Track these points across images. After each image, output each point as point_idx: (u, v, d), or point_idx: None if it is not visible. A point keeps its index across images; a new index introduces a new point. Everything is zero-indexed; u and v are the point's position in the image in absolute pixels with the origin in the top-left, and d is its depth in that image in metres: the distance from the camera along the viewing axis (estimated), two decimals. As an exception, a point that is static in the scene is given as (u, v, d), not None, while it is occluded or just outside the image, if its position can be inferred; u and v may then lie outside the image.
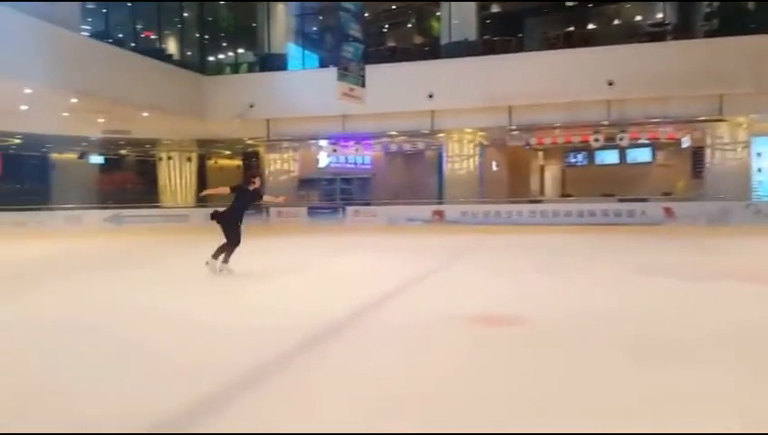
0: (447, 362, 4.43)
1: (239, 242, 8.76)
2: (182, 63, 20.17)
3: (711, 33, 17.85)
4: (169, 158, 22.92)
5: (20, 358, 4.65)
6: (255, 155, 24.03)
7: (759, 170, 17.98)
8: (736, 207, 16.36)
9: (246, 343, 4.93)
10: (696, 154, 18.65)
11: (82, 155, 22.56)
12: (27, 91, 14.60)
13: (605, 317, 5.82)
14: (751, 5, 17.98)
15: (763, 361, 4.33)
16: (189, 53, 21.34)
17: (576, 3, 21.58)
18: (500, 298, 7.00)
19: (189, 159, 23.16)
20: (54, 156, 23.05)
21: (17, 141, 21.27)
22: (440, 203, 19.33)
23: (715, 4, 18.24)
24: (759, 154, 18.01)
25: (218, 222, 8.77)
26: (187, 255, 7.54)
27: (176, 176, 22.79)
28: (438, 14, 21.30)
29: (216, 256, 8.63)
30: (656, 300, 6.75)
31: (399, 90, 18.28)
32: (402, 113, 18.81)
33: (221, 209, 8.99)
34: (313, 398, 3.66)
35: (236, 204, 8.92)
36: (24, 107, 16.21)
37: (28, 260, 12.30)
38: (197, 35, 21.75)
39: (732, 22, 17.43)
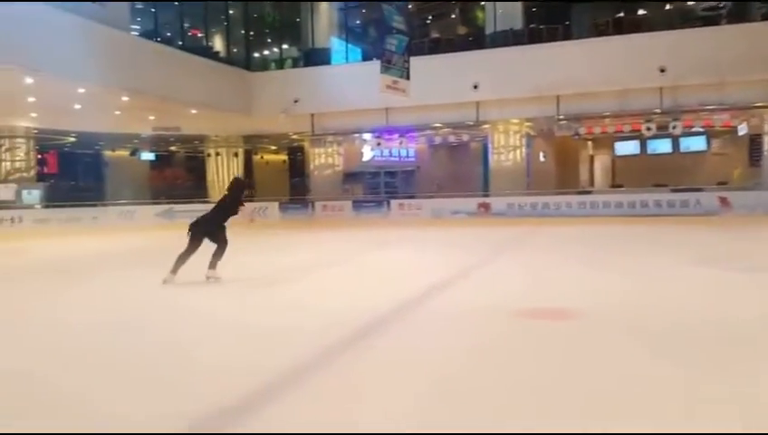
0: (495, 355, 4.35)
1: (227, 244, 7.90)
2: (228, 60, 20.49)
3: (768, 17, 17.04)
4: (217, 154, 23.36)
5: (58, 356, 4.68)
6: (301, 150, 24.28)
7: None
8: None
9: (291, 339, 4.91)
10: (754, 142, 17.89)
11: (134, 152, 23.19)
12: (80, 90, 15.08)
13: (658, 310, 5.64)
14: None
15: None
16: (235, 50, 21.66)
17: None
18: (548, 291, 6.86)
19: (236, 155, 23.56)
20: (107, 153, 23.77)
21: (72, 140, 22.03)
22: (486, 195, 19.12)
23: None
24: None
25: (202, 235, 7.78)
26: (232, 250, 7.54)
27: (223, 171, 23.21)
28: (483, 3, 20.99)
29: (213, 265, 7.77)
30: (710, 292, 6.50)
31: (444, 81, 18.13)
32: (446, 105, 18.65)
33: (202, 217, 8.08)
34: (360, 392, 3.63)
35: (222, 207, 8.02)
36: (77, 106, 16.76)
37: (83, 255, 12.71)
38: (243, 32, 22.05)
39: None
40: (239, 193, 8.10)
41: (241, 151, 23.79)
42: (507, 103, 18.31)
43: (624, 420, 3.06)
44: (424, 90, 17.19)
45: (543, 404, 3.34)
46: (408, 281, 7.70)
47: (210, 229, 7.82)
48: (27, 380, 4.02)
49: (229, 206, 7.94)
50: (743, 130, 17.48)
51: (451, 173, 22.05)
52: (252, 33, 22.41)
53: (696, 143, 19.64)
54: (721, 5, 19.40)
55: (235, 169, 23.32)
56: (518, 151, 19.44)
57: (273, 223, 19.41)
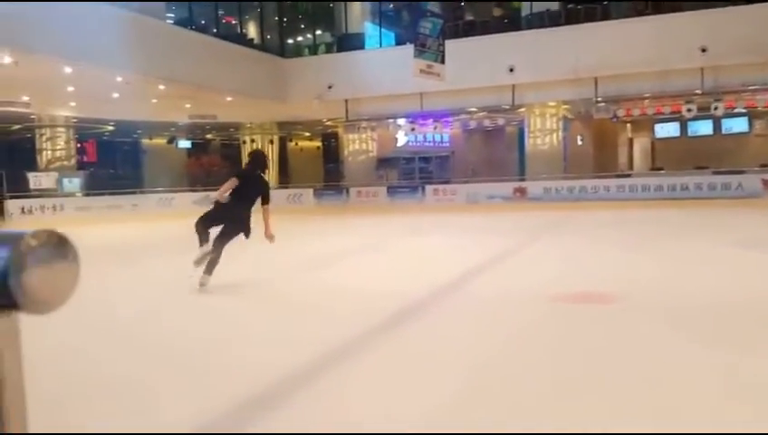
0: (532, 341, 4.33)
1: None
2: (262, 47, 20.62)
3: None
4: (252, 140, 23.60)
5: (109, 338, 4.87)
6: (335, 136, 24.36)
7: None
8: None
9: (326, 324, 4.96)
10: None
11: (171, 140, 23.58)
12: (118, 79, 15.36)
13: (697, 294, 5.54)
14: None
15: None
16: (269, 37, 21.77)
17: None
18: (586, 276, 6.81)
19: (272, 142, 23.75)
20: (145, 141, 24.20)
21: (110, 128, 22.50)
22: (522, 180, 18.93)
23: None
24: None
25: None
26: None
27: (259, 158, 23.42)
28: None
29: (203, 263, 6.38)
30: (754, 277, 6.35)
31: (478, 65, 17.92)
32: (481, 89, 18.44)
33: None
34: (397, 378, 3.62)
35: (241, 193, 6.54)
36: (115, 95, 17.08)
37: (126, 241, 13.03)
38: (276, 19, 22.13)
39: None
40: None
41: (276, 138, 23.98)
42: (543, 86, 18.02)
43: (664, 408, 3.03)
44: (458, 73, 17.02)
45: (584, 391, 3.32)
46: (444, 266, 7.71)
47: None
48: (80, 358, 4.17)
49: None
50: (789, 109, 16.92)
51: (486, 158, 21.88)
52: (285, 19, 22.47)
53: (737, 124, 19.08)
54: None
55: (271, 155, 23.53)
56: (555, 135, 19.16)
57: (309, 209, 19.56)
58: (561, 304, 5.34)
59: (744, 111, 18.09)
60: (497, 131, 21.84)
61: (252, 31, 21.73)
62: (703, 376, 3.42)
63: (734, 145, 19.28)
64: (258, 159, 6.93)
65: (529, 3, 19.22)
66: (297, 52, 22.31)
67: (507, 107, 19.01)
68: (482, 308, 5.35)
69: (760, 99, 17.17)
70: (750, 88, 16.80)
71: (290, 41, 22.80)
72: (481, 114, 19.91)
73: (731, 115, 18.16)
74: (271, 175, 23.23)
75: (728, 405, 3.00)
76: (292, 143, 26.33)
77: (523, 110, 19.19)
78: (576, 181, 17.82)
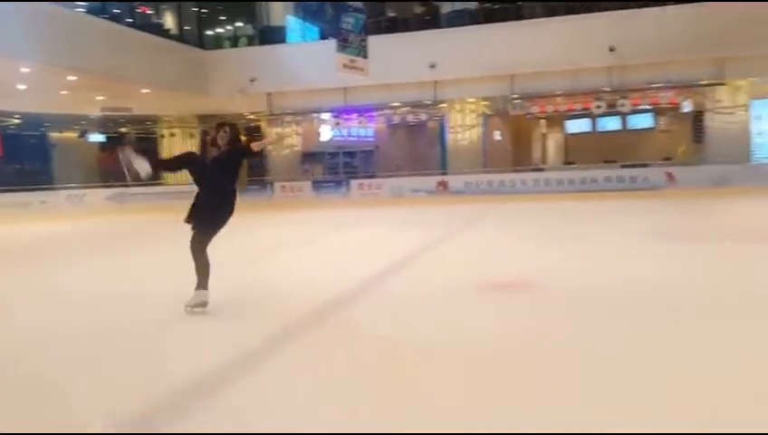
0: (456, 326, 4.56)
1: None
2: (180, 38, 20.00)
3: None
4: (172, 134, 22.88)
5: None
6: (258, 130, 23.97)
7: (758, 133, 18.00)
8: (736, 169, 16.45)
9: (252, 317, 5.01)
10: (697, 118, 18.65)
11: (82, 134, 22.48)
12: (24, 69, 14.51)
13: (611, 280, 5.95)
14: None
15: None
16: (187, 28, 21.13)
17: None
18: (506, 265, 7.14)
19: (192, 136, 23.11)
20: (54, 135, 22.96)
21: (16, 121, 21.20)
22: (444, 174, 19.39)
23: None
24: (758, 117, 18.00)
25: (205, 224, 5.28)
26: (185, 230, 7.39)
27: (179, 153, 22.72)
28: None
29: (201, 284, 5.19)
30: (663, 264, 6.88)
31: (401, 60, 18.19)
32: (404, 84, 18.74)
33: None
34: (321, 369, 3.73)
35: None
36: (21, 86, 16.13)
37: (34, 241, 12.38)
38: (195, 9, 21.52)
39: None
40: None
41: (197, 132, 23.35)
42: (464, 82, 18.53)
43: (591, 384, 3.30)
44: (382, 69, 17.22)
45: (514, 375, 3.55)
46: (372, 259, 7.83)
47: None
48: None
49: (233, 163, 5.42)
50: (687, 107, 18.19)
51: (410, 152, 22.22)
52: (204, 10, 21.88)
53: (643, 121, 20.31)
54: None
55: (191, 150, 22.89)
56: (474, 130, 19.73)
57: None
58: (486, 292, 5.59)
59: (648, 107, 19.33)
60: (420, 126, 22.23)
61: (169, 21, 21.04)
62: (621, 358, 3.72)
63: (640, 140, 20.51)
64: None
65: (450, 1, 19.69)
66: (217, 44, 21.80)
67: (429, 102, 19.41)
68: (409, 299, 5.50)
69: (663, 96, 18.39)
70: (654, 86, 17.97)
71: (209, 32, 22.24)
72: (404, 109, 20.21)
73: (637, 112, 19.32)
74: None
75: (640, 389, 3.30)
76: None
77: (444, 105, 19.65)
78: (495, 175, 18.46)
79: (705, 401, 2.96)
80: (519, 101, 18.70)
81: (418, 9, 20.91)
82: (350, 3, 16.49)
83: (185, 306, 5.06)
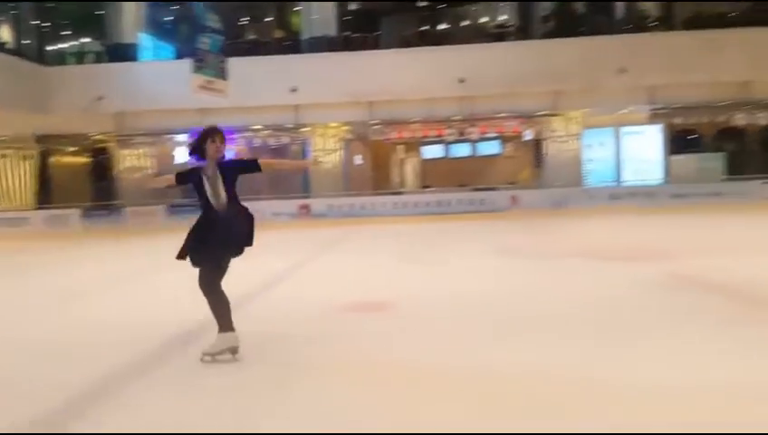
0: (316, 348, 4.62)
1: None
2: (17, 52, 18.40)
3: (547, 35, 19.63)
4: (3, 156, 20.77)
5: None
6: (105, 151, 22.51)
7: (589, 160, 20.06)
8: (572, 192, 18.23)
9: (77, 364, 4.41)
10: (537, 146, 20.43)
11: None
12: None
13: (465, 295, 6.34)
14: (581, 8, 20.00)
15: (620, 327, 5.01)
16: (27, 42, 19.48)
17: (427, 3, 22.65)
18: (368, 286, 7.34)
19: (26, 158, 21.11)
20: None
21: None
22: (307, 197, 19.45)
23: (550, 7, 20.02)
24: (589, 145, 20.09)
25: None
26: (24, 263, 6.79)
27: (11, 176, 20.67)
28: (298, 9, 21.34)
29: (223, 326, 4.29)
30: (509, 278, 7.44)
31: (262, 84, 18.13)
32: (266, 107, 18.67)
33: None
34: (181, 395, 3.68)
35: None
36: None
37: None
38: (35, 23, 19.91)
39: (565, 24, 19.31)
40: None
41: (34, 154, 21.40)
42: (325, 108, 18.86)
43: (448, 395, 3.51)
44: (243, 91, 17.05)
45: (365, 390, 3.68)
46: (230, 285, 7.61)
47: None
48: None
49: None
50: (528, 135, 19.90)
51: (272, 176, 22.01)
52: (46, 23, 20.32)
53: (490, 147, 21.82)
54: (509, 24, 21.88)
55: (26, 173, 20.94)
56: (336, 154, 20.08)
57: (75, 233, 17.85)
58: (347, 314, 5.71)
59: (495, 135, 20.85)
60: (282, 150, 22.13)
61: (5, 34, 19.28)
62: (472, 363, 3.98)
63: (488, 165, 21.99)
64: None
65: (308, 27, 20.02)
66: (60, 60, 20.31)
67: (291, 126, 19.47)
68: (268, 324, 5.46)
69: (507, 125, 19.97)
70: (499, 116, 19.47)
71: (51, 47, 20.67)
72: (266, 132, 20.07)
73: (484, 139, 20.75)
74: (26, 195, 20.68)
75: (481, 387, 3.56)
76: (56, 159, 23.72)
77: (306, 129, 19.80)
78: (356, 198, 18.89)
79: (512, 408, 3.26)
80: (378, 126, 19.36)
81: (279, 33, 21.02)
82: (207, 23, 16.18)
83: (202, 355, 4.19)
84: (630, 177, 19.73)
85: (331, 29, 20.08)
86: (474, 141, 20.52)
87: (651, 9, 21.27)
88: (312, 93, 18.39)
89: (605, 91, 18.41)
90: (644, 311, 5.43)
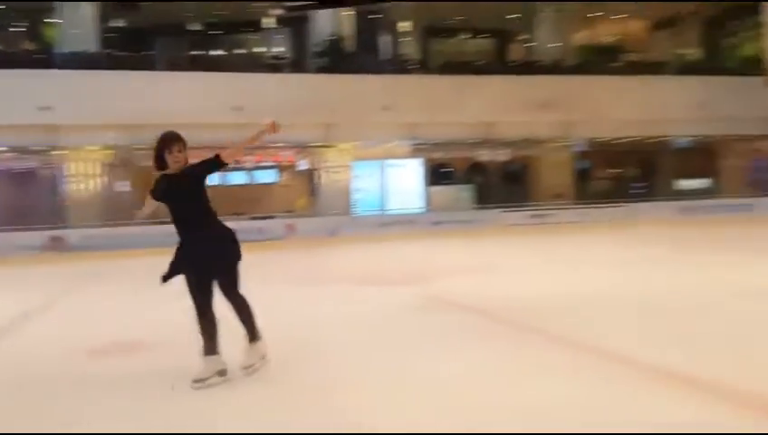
0: (64, 399, 4.24)
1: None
2: None
3: (320, 70, 20.42)
4: None
5: None
6: None
7: (357, 190, 21.20)
8: (344, 220, 19.06)
9: None
10: (312, 175, 21.08)
11: None
12: None
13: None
14: (351, 47, 21.21)
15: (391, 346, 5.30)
16: None
17: (200, 28, 22.22)
18: (125, 324, 6.89)
19: None
20: None
21: None
22: (60, 227, 17.51)
23: (323, 44, 20.89)
24: (358, 176, 21.24)
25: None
26: None
27: None
28: (54, 20, 19.42)
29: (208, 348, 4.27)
30: (300, 308, 7.54)
31: (6, 100, 16.05)
32: (10, 127, 16.52)
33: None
34: None
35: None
36: None
37: None
38: None
39: (336, 61, 20.29)
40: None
41: None
42: (84, 129, 17.30)
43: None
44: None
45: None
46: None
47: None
48: None
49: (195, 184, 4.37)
50: (303, 165, 20.46)
51: (15, 204, 19.43)
52: None
53: (267, 176, 22.01)
54: (284, 56, 22.39)
55: None
56: (97, 180, 18.49)
57: None
58: (98, 358, 5.27)
59: (272, 164, 21.09)
60: (29, 174, 19.73)
61: None
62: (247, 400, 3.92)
63: (265, 193, 22.11)
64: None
65: (64, 41, 18.34)
66: None
67: (42, 148, 17.49)
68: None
69: (283, 154, 20.33)
70: (275, 145, 19.72)
71: None
72: (9, 155, 17.74)
73: (261, 168, 20.87)
74: None
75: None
76: None
77: (61, 152, 17.95)
78: (119, 229, 17.45)
79: None
80: (145, 151, 18.28)
81: (29, 45, 18.94)
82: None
83: (192, 382, 4.06)
84: (395, 206, 21.27)
85: (92, 45, 18.61)
86: (249, 169, 20.50)
87: (412, 53, 23.42)
88: (70, 113, 16.77)
89: (372, 125, 19.68)
90: (405, 331, 5.88)
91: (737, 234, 15.36)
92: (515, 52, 25.44)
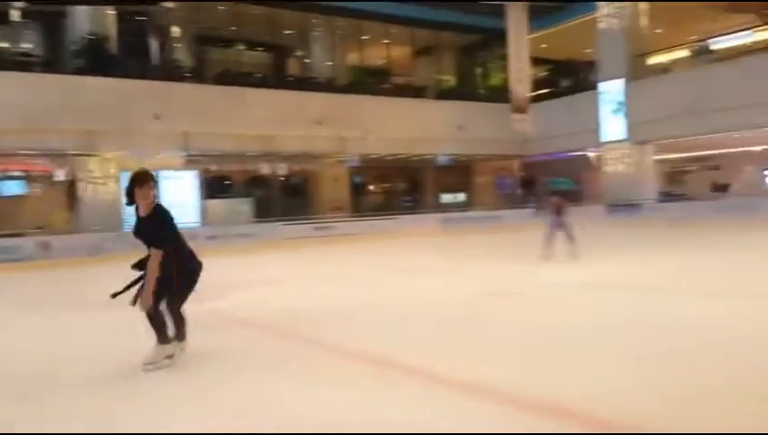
0: None
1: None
2: None
3: (79, 71, 18.43)
4: None
5: None
6: None
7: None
8: (111, 237, 17.34)
9: None
10: (71, 187, 18.94)
11: None
12: None
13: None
14: (114, 49, 19.53)
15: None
16: None
17: None
18: None
19: None
20: None
21: None
22: None
23: (80, 42, 18.93)
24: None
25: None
26: None
27: None
28: None
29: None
30: (39, 337, 6.68)
31: None
32: None
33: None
34: None
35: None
36: None
37: None
38: None
39: (98, 62, 18.48)
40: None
41: None
42: None
43: None
44: None
45: None
46: None
47: None
48: None
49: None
50: (60, 175, 18.29)
51: None
52: None
53: (14, 187, 19.26)
54: (35, 54, 19.82)
55: None
56: None
57: None
58: None
59: (20, 174, 18.53)
60: None
61: None
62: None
63: (12, 207, 19.28)
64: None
65: None
66: None
67: None
68: None
69: (36, 163, 17.99)
70: (25, 153, 17.37)
71: None
72: None
73: (6, 178, 18.24)
74: None
75: None
76: None
77: None
78: None
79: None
80: None
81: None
82: None
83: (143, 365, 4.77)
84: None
85: None
86: (-9, 180, 17.82)
87: (185, 60, 22.41)
88: None
89: (141, 134, 18.38)
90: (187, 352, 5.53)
91: (488, 241, 17.48)
92: (293, 67, 25.81)
